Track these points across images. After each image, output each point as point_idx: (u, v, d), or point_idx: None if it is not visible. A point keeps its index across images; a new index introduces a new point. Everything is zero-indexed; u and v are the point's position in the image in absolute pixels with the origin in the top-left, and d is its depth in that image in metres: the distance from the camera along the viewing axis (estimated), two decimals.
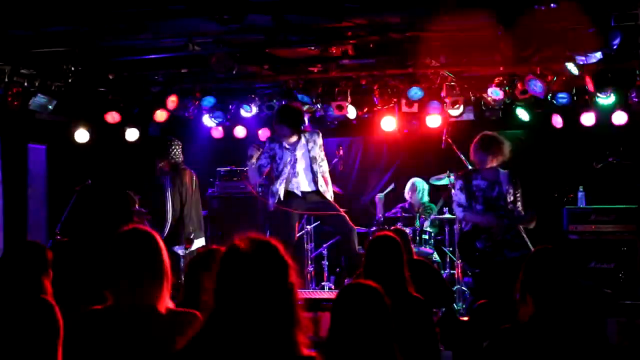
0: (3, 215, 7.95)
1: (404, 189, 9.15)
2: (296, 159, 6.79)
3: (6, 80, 7.54)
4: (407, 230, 7.89)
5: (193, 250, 7.12)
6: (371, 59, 7.46)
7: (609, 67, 7.43)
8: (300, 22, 6.07)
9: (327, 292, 7.53)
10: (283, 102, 8.30)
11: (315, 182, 6.83)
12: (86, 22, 5.99)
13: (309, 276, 8.50)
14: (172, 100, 8.70)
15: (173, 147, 7.25)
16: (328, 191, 6.94)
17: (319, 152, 6.88)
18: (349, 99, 8.49)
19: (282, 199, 6.78)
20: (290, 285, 2.17)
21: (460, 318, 6.30)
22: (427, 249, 8.28)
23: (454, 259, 8.20)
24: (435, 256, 8.41)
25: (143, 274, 2.76)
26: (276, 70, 7.96)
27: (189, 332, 2.27)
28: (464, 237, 6.25)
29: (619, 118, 8.54)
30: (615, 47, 5.76)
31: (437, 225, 8.85)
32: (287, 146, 6.79)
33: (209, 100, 8.82)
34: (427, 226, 8.44)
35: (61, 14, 5.84)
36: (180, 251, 7.08)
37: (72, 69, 7.32)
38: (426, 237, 8.33)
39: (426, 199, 9.03)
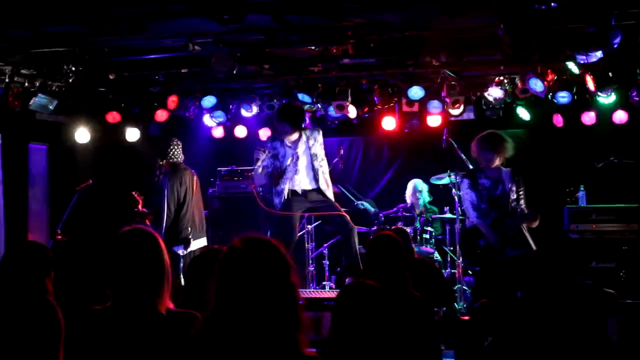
0: (4, 215, 7.95)
1: (404, 189, 9.15)
2: (298, 157, 6.80)
3: (7, 80, 7.55)
4: (408, 229, 7.89)
5: (193, 250, 7.12)
6: (371, 58, 7.46)
7: (610, 66, 7.43)
8: (300, 22, 6.07)
9: (328, 292, 7.53)
10: (283, 102, 8.31)
11: (316, 180, 6.84)
12: (87, 22, 5.99)
13: (309, 276, 8.50)
14: (172, 100, 8.70)
15: (173, 147, 7.25)
16: (329, 189, 6.95)
17: (319, 150, 6.89)
18: (350, 98, 8.48)
19: (287, 197, 6.78)
20: (291, 285, 2.17)
21: (461, 317, 6.30)
22: (428, 249, 8.28)
23: (455, 258, 8.19)
24: (436, 255, 8.41)
25: (143, 274, 2.76)
26: (276, 70, 7.95)
27: (190, 332, 2.27)
28: (466, 234, 6.26)
29: (620, 117, 8.55)
30: (616, 46, 5.76)
31: (439, 225, 8.86)
32: (289, 144, 6.80)
33: (209, 100, 8.82)
34: (427, 226, 8.45)
35: (61, 13, 5.84)
36: (180, 251, 7.08)
37: (73, 69, 7.32)
38: (427, 236, 8.33)
39: (427, 199, 9.02)
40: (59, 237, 7.52)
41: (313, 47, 6.93)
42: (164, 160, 7.28)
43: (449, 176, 8.19)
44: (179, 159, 7.27)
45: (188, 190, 7.20)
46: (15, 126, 8.43)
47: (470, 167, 7.08)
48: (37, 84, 7.80)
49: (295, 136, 6.81)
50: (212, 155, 9.98)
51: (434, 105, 8.34)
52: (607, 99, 8.03)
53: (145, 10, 5.71)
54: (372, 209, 8.79)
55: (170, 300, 2.89)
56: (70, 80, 7.48)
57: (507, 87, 8.24)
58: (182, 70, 7.82)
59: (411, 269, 4.13)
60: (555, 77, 7.72)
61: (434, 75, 8.17)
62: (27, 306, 3.20)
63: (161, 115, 9.00)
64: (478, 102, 8.76)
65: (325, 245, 8.71)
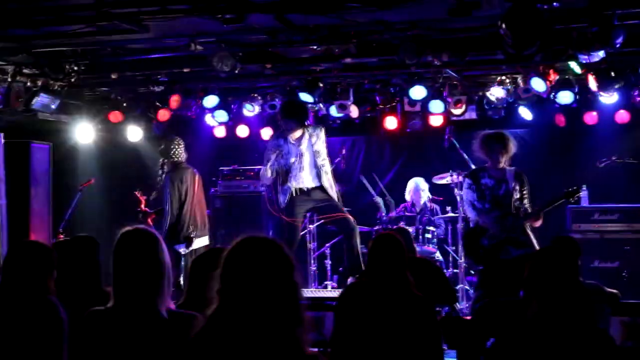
0: (6, 215, 7.95)
1: (406, 189, 9.14)
2: (302, 154, 6.82)
3: (9, 79, 7.56)
4: (410, 229, 7.88)
5: (195, 249, 7.12)
6: (373, 58, 7.45)
7: (612, 65, 7.42)
8: (302, 21, 6.07)
9: (330, 292, 7.53)
10: (286, 99, 8.32)
11: (319, 177, 6.86)
12: (89, 21, 5.99)
13: (311, 275, 8.50)
14: (174, 100, 8.71)
15: (175, 146, 7.25)
16: (332, 189, 6.95)
17: (321, 147, 6.91)
18: (352, 98, 8.48)
19: (293, 194, 6.79)
20: (294, 285, 2.17)
21: (464, 317, 6.29)
22: (430, 248, 8.27)
23: (457, 258, 8.19)
24: (438, 255, 8.41)
25: (143, 275, 2.75)
26: (278, 69, 7.96)
27: (189, 333, 2.27)
28: (469, 233, 6.26)
29: (622, 117, 8.55)
30: (618, 45, 5.76)
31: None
32: (292, 141, 6.82)
33: (211, 100, 8.82)
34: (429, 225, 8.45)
35: (64, 13, 5.84)
36: (181, 250, 7.09)
37: (75, 68, 7.33)
38: (429, 236, 8.33)
39: (427, 197, 9.02)
40: (61, 236, 7.53)
41: (315, 47, 6.93)
42: (167, 160, 7.29)
43: (451, 176, 8.19)
44: (181, 159, 7.27)
45: (189, 189, 7.20)
46: (18, 125, 8.44)
47: (473, 166, 7.08)
48: (40, 84, 7.81)
49: (299, 133, 6.83)
50: (214, 154, 9.99)
51: (436, 105, 8.34)
52: (609, 98, 8.02)
53: (147, 9, 5.71)
54: (382, 207, 8.70)
55: (171, 301, 2.89)
56: (73, 80, 7.48)
57: (509, 87, 8.24)
58: (184, 70, 7.82)
59: (413, 269, 4.13)
60: (558, 77, 7.71)
61: (436, 74, 8.17)
62: (30, 306, 3.20)
63: (163, 115, 9.01)
64: (480, 102, 8.76)
65: (327, 244, 8.71)
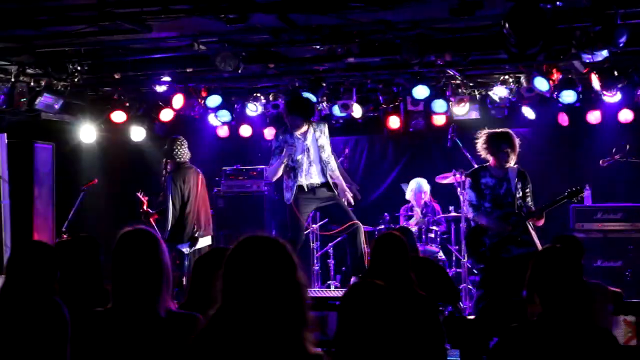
0: (10, 215, 7.97)
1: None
2: (308, 149, 6.84)
3: (12, 79, 7.57)
4: (413, 228, 7.89)
5: (199, 249, 7.12)
6: (376, 57, 7.45)
7: (616, 65, 7.41)
8: (305, 21, 6.07)
9: (333, 291, 7.53)
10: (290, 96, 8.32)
11: (324, 173, 6.87)
12: (92, 21, 6.01)
13: (314, 275, 8.50)
14: (177, 100, 8.72)
15: (178, 146, 7.25)
16: (337, 186, 6.95)
17: (326, 142, 6.93)
18: (354, 97, 8.48)
19: (302, 191, 6.80)
20: (298, 284, 2.17)
21: (467, 316, 6.29)
22: (433, 248, 8.27)
23: (460, 257, 8.18)
24: (441, 254, 8.40)
25: (143, 275, 2.75)
26: (281, 69, 7.96)
27: (189, 333, 2.26)
28: (472, 232, 6.26)
29: (625, 116, 8.53)
30: (621, 45, 5.75)
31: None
32: (298, 136, 6.84)
33: (214, 100, 8.82)
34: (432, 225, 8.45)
35: (66, 13, 5.85)
36: (184, 249, 7.09)
37: (78, 68, 7.34)
38: (432, 235, 8.32)
39: (428, 197, 9.01)
40: (65, 236, 7.53)
41: (318, 47, 6.94)
42: (170, 160, 7.29)
43: (454, 175, 8.18)
44: (184, 158, 7.27)
45: (192, 188, 7.20)
46: (21, 125, 8.46)
47: (476, 166, 7.07)
48: (43, 84, 7.82)
49: (304, 128, 6.85)
50: (217, 154, 9.99)
51: (439, 104, 8.34)
52: (612, 98, 8.01)
53: (150, 9, 5.72)
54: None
55: (172, 301, 2.89)
56: (76, 80, 7.49)
57: (512, 86, 8.23)
58: (187, 70, 7.83)
59: (416, 268, 4.13)
60: (561, 76, 7.71)
61: (439, 74, 8.17)
62: (34, 306, 3.20)
63: (166, 115, 9.01)
64: (483, 101, 8.75)
65: (330, 244, 8.71)
